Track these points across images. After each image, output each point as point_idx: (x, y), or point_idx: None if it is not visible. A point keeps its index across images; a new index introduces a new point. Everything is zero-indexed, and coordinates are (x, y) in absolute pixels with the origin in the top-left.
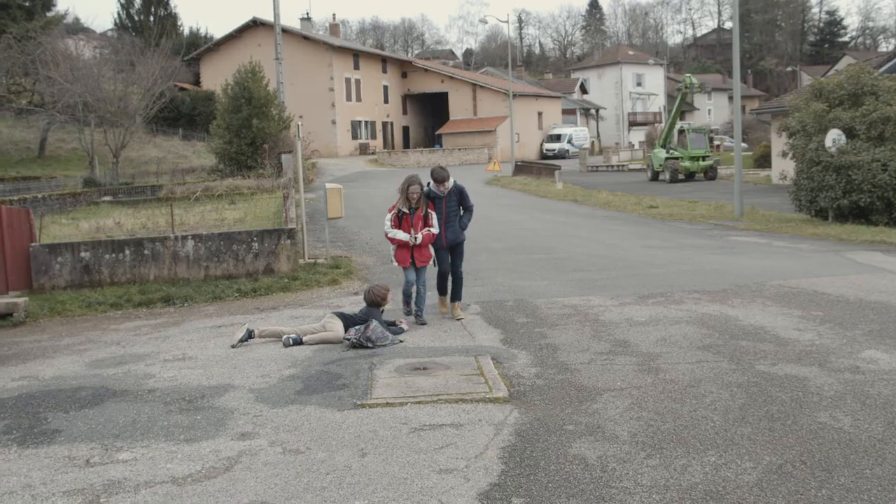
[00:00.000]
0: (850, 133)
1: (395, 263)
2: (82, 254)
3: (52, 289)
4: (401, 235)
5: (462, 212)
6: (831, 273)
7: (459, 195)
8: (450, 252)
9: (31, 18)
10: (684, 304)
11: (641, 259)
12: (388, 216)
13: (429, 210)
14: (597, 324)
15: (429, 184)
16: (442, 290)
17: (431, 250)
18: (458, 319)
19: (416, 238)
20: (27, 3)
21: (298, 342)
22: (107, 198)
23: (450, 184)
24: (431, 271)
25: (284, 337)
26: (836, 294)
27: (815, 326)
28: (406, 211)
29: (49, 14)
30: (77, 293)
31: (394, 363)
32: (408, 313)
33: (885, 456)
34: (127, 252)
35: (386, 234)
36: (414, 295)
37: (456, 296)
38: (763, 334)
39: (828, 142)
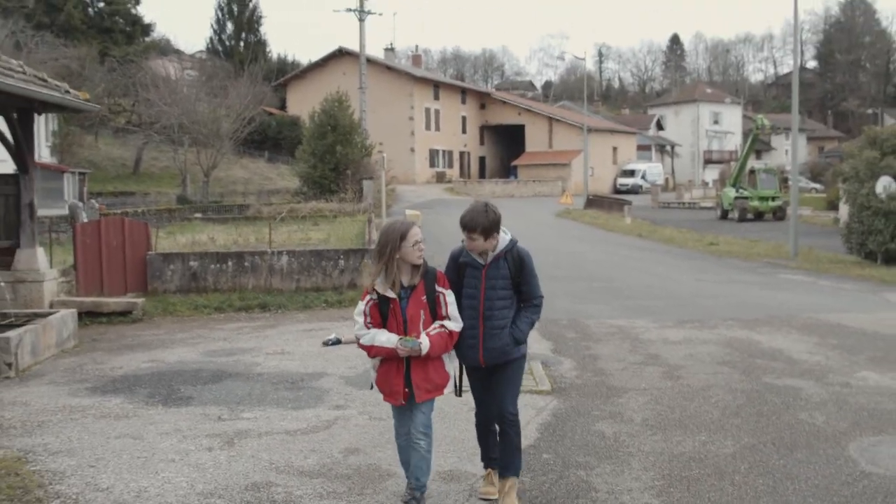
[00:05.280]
0: None
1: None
2: (191, 263)
3: (163, 292)
4: (382, 339)
5: (519, 304)
6: (861, 310)
7: (518, 266)
8: (491, 376)
9: (132, 42)
10: (717, 329)
11: (690, 291)
12: (361, 305)
13: (439, 288)
14: (636, 341)
15: (462, 241)
16: (486, 455)
17: (449, 368)
18: None
19: (417, 344)
20: (128, 28)
21: None
22: (198, 215)
23: (500, 241)
24: (458, 412)
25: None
26: (856, 327)
27: (826, 351)
28: (391, 295)
29: (147, 39)
30: (185, 297)
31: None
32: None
33: (839, 441)
34: (230, 263)
35: (357, 341)
36: (411, 458)
37: (509, 466)
38: (778, 355)
39: (878, 188)
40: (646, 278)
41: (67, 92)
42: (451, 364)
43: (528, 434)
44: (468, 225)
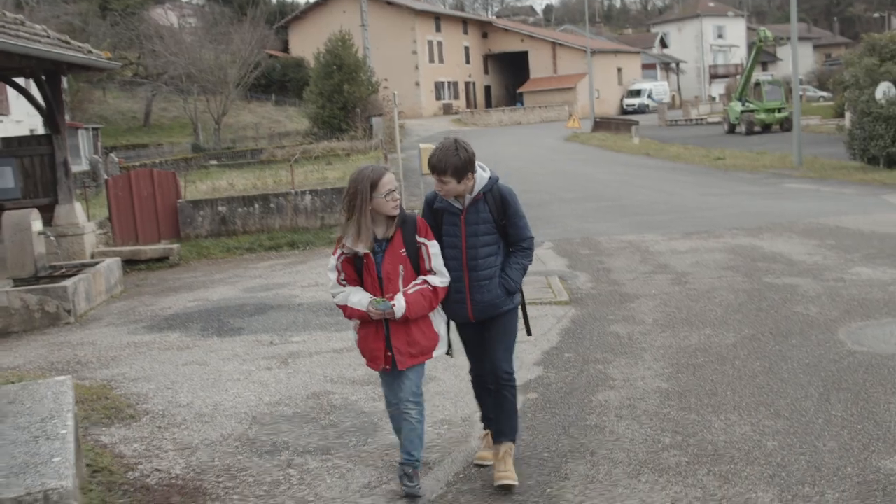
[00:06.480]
0: None
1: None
2: (219, 208)
3: (195, 237)
4: (354, 300)
5: (507, 249)
6: (860, 212)
7: (501, 207)
8: (483, 331)
9: None
10: (722, 238)
11: (696, 205)
12: (332, 260)
13: (420, 238)
14: (646, 253)
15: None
16: (485, 415)
17: (438, 328)
18: (502, 485)
19: (388, 307)
20: None
21: None
22: (213, 162)
23: (478, 180)
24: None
25: None
26: (854, 228)
27: (824, 252)
28: (361, 251)
29: None
30: (216, 241)
31: None
32: (409, 488)
33: (830, 328)
34: (256, 206)
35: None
36: (403, 429)
37: (503, 430)
38: (779, 258)
39: (878, 94)
40: (654, 195)
41: (90, 52)
42: (442, 321)
43: (551, 338)
44: (437, 166)
